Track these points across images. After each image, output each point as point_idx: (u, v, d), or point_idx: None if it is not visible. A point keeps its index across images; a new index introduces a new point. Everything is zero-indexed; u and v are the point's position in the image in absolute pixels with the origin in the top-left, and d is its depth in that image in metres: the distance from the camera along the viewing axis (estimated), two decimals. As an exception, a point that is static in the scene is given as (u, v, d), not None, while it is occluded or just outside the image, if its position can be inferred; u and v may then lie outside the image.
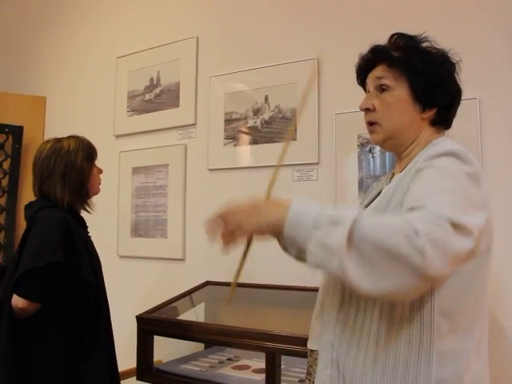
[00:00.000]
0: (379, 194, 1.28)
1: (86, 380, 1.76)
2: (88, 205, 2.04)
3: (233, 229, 1.04)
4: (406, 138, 1.24)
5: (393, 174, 1.32)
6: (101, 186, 2.08)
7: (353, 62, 2.35)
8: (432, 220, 0.92)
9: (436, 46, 1.25)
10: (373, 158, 2.34)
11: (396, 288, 0.92)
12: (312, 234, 0.96)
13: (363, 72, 1.32)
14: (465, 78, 1.29)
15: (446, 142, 1.18)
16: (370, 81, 1.28)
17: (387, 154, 2.29)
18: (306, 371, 1.28)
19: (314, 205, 1.01)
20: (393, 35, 1.27)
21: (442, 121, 1.24)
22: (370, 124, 1.26)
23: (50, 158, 1.93)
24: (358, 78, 1.35)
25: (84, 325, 1.82)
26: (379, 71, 1.25)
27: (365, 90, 1.33)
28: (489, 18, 2.10)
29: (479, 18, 2.12)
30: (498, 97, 2.05)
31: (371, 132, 1.27)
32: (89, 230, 2.04)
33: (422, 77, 1.19)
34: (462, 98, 1.27)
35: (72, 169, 1.91)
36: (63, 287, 1.79)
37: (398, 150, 1.28)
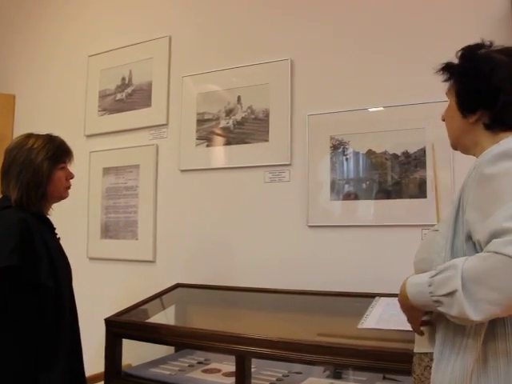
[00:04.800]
0: None
1: None
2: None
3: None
4: (466, 145, 1.26)
5: None
6: (70, 190, 2.00)
7: (327, 63, 2.39)
8: None
9: (489, 51, 1.21)
10: (346, 160, 2.34)
11: None
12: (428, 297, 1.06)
13: None
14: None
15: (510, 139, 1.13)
16: None
17: (360, 155, 2.30)
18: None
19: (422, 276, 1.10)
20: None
21: (496, 123, 1.17)
22: None
23: (11, 152, 1.84)
24: None
25: (42, 331, 1.74)
26: None
27: None
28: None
29: None
30: None
31: None
32: (57, 231, 1.98)
33: (458, 84, 1.23)
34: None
35: (29, 167, 1.80)
36: (19, 291, 1.72)
37: (470, 154, 1.28)
